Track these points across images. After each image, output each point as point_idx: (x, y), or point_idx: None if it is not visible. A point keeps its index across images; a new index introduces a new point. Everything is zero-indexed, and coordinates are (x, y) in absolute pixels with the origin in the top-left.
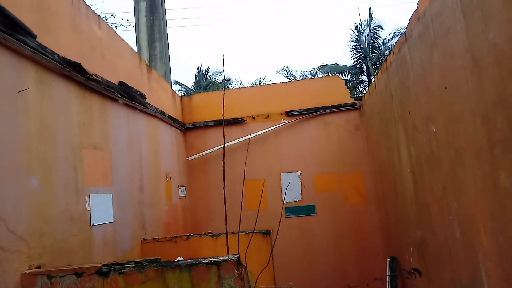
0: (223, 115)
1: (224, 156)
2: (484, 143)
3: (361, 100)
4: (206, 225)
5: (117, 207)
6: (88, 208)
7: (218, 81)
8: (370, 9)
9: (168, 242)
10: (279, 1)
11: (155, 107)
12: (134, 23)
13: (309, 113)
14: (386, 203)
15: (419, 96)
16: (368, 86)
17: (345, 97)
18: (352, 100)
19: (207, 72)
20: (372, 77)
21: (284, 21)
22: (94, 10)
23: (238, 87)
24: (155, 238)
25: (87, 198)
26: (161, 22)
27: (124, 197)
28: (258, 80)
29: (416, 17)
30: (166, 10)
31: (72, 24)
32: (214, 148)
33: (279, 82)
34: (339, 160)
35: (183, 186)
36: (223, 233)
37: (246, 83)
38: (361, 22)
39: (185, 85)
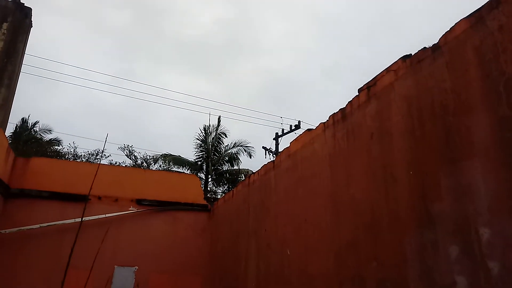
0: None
1: (77, 234)
2: (334, 276)
3: (212, 203)
4: None
5: None
6: None
7: (44, 139)
8: (219, 117)
9: None
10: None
11: None
12: None
13: (160, 205)
14: None
15: (278, 219)
16: (204, 184)
17: (198, 197)
18: (205, 202)
19: (33, 126)
20: (209, 176)
21: (135, 101)
22: None
23: (70, 152)
24: None
25: None
26: (15, 68)
27: None
28: (96, 151)
29: (287, 153)
30: (24, 56)
31: None
32: (42, 224)
33: (134, 166)
34: (180, 261)
35: None
36: None
37: (80, 151)
38: (210, 125)
39: None
